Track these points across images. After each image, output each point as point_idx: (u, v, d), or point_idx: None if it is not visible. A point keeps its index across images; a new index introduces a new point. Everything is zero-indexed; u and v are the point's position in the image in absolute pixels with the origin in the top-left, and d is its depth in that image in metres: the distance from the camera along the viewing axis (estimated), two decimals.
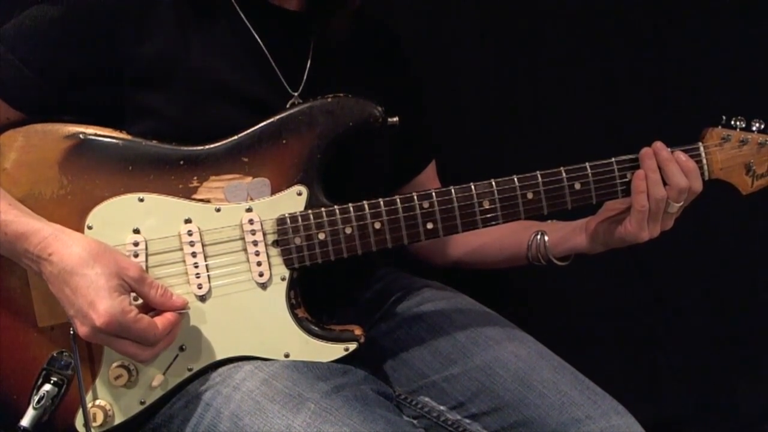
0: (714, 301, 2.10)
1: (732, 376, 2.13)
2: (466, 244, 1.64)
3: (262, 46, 1.40)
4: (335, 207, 1.31)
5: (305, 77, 1.43)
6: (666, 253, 1.99)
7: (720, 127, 1.41)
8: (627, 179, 1.37)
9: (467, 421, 1.42)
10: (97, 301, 1.16)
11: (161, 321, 1.21)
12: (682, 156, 1.37)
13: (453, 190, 1.34)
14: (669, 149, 1.37)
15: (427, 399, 1.46)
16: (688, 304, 2.09)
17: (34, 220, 1.22)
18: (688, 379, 2.11)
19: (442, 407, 1.44)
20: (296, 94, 1.41)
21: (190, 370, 1.29)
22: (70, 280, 1.17)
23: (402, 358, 1.50)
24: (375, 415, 1.23)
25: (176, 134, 1.31)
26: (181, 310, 1.24)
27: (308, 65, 1.44)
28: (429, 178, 1.68)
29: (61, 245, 1.19)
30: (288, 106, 1.36)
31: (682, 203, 1.38)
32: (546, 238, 1.50)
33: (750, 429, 2.11)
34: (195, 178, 1.30)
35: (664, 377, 2.11)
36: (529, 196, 1.35)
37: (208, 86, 1.33)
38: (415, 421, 1.45)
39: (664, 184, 1.36)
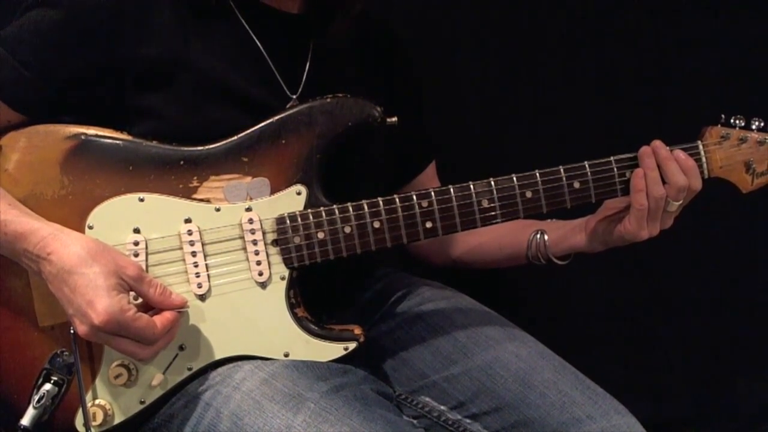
0: (714, 301, 2.10)
1: (732, 376, 2.13)
2: (466, 243, 1.64)
3: (261, 49, 1.40)
4: (334, 206, 1.31)
5: (304, 79, 1.43)
6: (666, 253, 2.00)
7: (719, 125, 1.41)
8: (626, 178, 1.37)
9: (468, 420, 1.42)
10: (96, 300, 1.16)
11: (160, 320, 1.21)
12: (681, 154, 1.37)
13: (452, 189, 1.34)
14: (668, 148, 1.37)
15: (427, 399, 1.46)
16: (688, 304, 2.09)
17: (33, 220, 1.23)
18: (688, 379, 2.11)
19: (442, 407, 1.44)
20: (295, 96, 1.41)
21: (189, 369, 1.29)
22: (69, 280, 1.17)
23: (402, 358, 1.50)
24: (375, 414, 1.23)
25: (176, 135, 1.31)
26: (181, 309, 1.25)
27: (307, 67, 1.44)
28: (429, 178, 1.68)
29: (60, 245, 1.19)
30: (287, 107, 1.36)
31: (681, 202, 1.37)
32: (546, 237, 1.50)
33: (750, 429, 2.11)
34: (195, 178, 1.30)
35: (664, 377, 2.11)
36: (528, 195, 1.35)
37: (207, 88, 1.33)
38: (415, 421, 1.45)
39: (663, 182, 1.36)
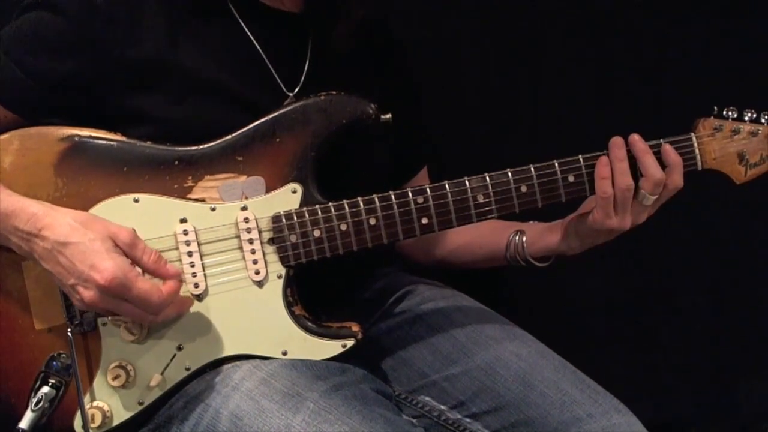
0: (714, 301, 2.09)
1: (732, 376, 2.13)
2: (450, 242, 1.64)
3: (258, 48, 1.40)
4: (330, 204, 1.31)
5: (303, 78, 1.43)
6: (667, 252, 2.00)
7: (712, 117, 1.41)
8: None
9: (468, 420, 1.42)
10: (98, 262, 1.16)
11: (164, 287, 1.21)
12: (668, 148, 1.37)
13: (447, 185, 1.34)
14: (657, 141, 1.36)
15: (427, 398, 1.46)
16: (689, 303, 2.09)
17: (21, 198, 1.23)
18: (688, 379, 2.11)
19: (442, 406, 1.44)
20: (292, 94, 1.41)
21: (188, 369, 1.29)
22: (65, 251, 1.17)
23: (402, 358, 1.50)
24: (374, 414, 1.23)
25: (171, 137, 1.31)
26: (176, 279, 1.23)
27: (306, 66, 1.44)
28: (420, 182, 1.66)
29: (50, 219, 1.19)
30: (283, 105, 1.35)
31: (657, 197, 1.36)
32: (524, 237, 1.49)
33: (750, 429, 2.11)
34: (190, 177, 1.30)
35: (664, 377, 2.11)
36: (523, 189, 1.35)
37: (201, 88, 1.34)
38: (414, 421, 1.44)
39: (640, 175, 1.35)
